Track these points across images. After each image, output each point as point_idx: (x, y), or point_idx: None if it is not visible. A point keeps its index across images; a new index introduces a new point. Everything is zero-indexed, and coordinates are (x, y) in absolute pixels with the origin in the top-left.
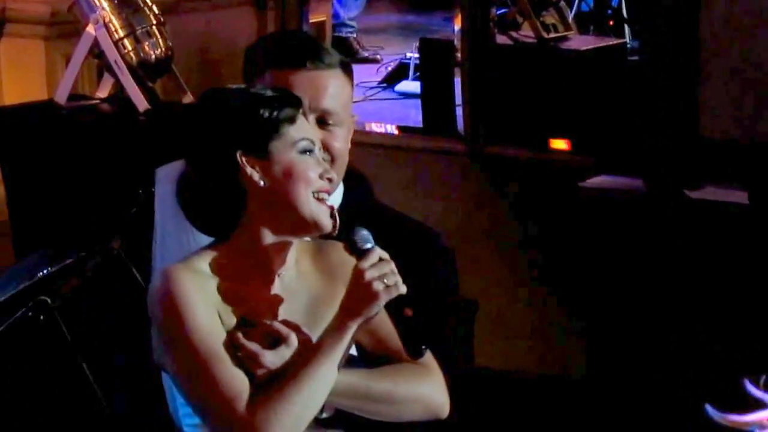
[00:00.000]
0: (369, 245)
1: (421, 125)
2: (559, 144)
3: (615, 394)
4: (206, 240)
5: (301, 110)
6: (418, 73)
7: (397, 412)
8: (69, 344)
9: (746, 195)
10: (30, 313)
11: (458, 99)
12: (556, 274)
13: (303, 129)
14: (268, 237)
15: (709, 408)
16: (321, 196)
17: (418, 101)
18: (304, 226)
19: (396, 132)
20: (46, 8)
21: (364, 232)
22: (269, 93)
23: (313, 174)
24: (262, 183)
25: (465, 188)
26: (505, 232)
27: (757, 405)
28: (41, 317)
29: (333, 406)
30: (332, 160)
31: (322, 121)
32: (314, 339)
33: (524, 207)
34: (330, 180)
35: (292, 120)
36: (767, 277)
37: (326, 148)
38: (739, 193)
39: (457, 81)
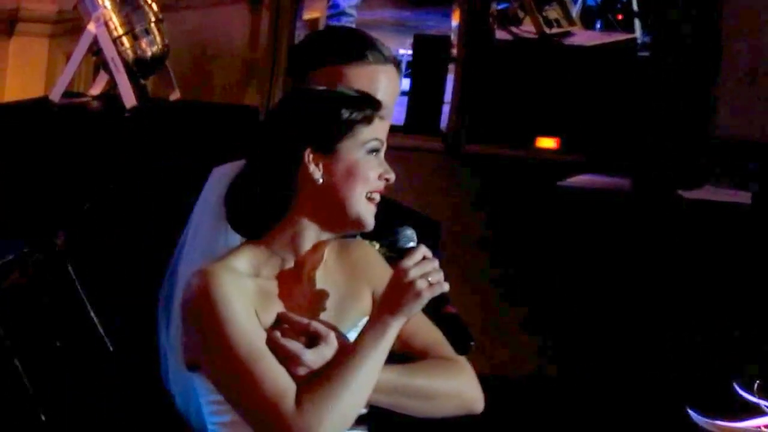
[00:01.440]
0: (412, 244)
1: (402, 123)
2: (547, 142)
3: (592, 395)
4: (237, 241)
5: (378, 112)
6: (409, 70)
7: (434, 407)
8: (4, 342)
9: (748, 196)
10: None
11: (448, 97)
12: (533, 274)
13: (376, 130)
14: (311, 236)
15: (692, 412)
16: (373, 196)
17: (404, 99)
18: (347, 224)
19: None
20: (53, 7)
21: (408, 231)
22: (353, 93)
23: (373, 174)
24: (320, 180)
25: (442, 187)
26: (479, 231)
27: (748, 410)
28: None
29: (370, 402)
30: None
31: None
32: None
33: (503, 206)
34: (387, 180)
35: (369, 121)
36: (762, 279)
37: None
38: (740, 194)
39: (450, 78)
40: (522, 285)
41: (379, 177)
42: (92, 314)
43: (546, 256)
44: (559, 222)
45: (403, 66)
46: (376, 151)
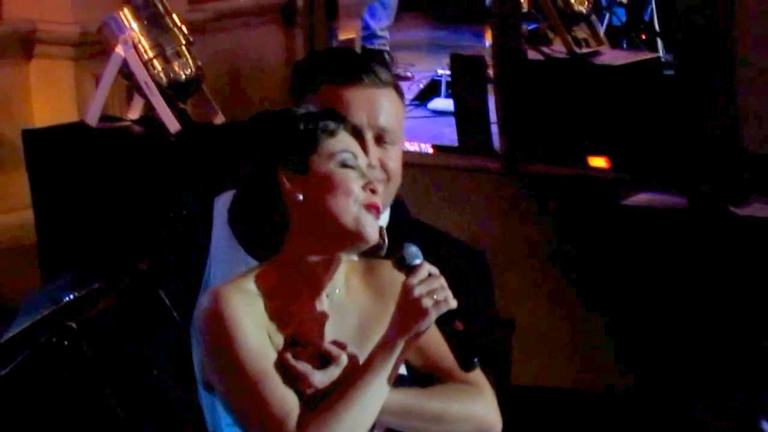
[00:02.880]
0: (418, 261)
1: (456, 143)
2: (598, 161)
3: (658, 412)
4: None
5: (343, 126)
6: (449, 90)
7: (449, 431)
8: (93, 370)
9: None
10: (54, 339)
11: (492, 116)
12: (594, 292)
13: (344, 142)
14: (314, 254)
15: (764, 422)
16: (367, 206)
17: (452, 119)
18: (347, 237)
19: (431, 151)
20: (74, 29)
21: (413, 248)
22: (310, 109)
23: (356, 186)
24: (300, 197)
25: (501, 207)
26: (541, 251)
27: None
28: (66, 343)
29: (384, 425)
30: (387, 180)
31: (380, 139)
32: (363, 358)
33: (562, 225)
34: (373, 191)
35: (331, 133)
36: None
37: (382, 166)
38: None
39: (491, 97)
40: (584, 303)
41: (364, 188)
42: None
43: (609, 275)
44: (619, 241)
45: (443, 86)
46: (350, 165)
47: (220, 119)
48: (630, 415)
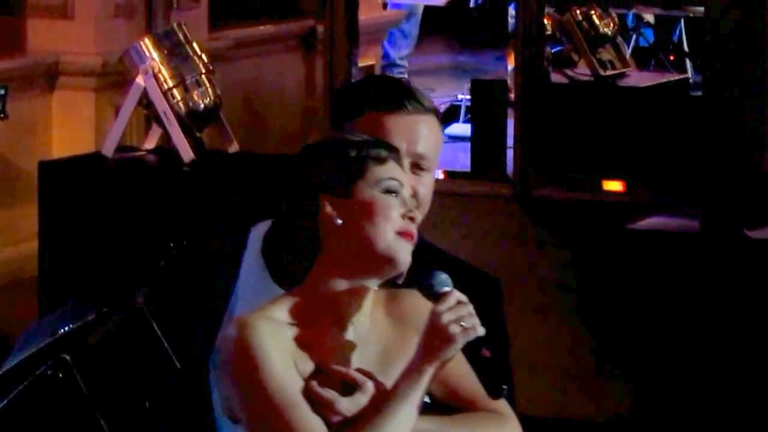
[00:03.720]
0: (446, 288)
1: (468, 168)
2: (613, 185)
3: None
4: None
5: (395, 156)
6: (468, 116)
7: None
8: (88, 402)
9: None
10: (50, 371)
11: (510, 140)
12: (600, 319)
13: (392, 170)
14: (343, 282)
15: None
16: (403, 234)
17: (467, 144)
18: (379, 262)
19: (442, 177)
20: (97, 59)
21: (443, 276)
22: (363, 137)
23: (395, 213)
24: (339, 221)
25: (509, 233)
26: (551, 277)
27: None
28: (61, 375)
29: None
30: (417, 206)
31: (416, 166)
32: (386, 386)
33: (573, 251)
34: (412, 219)
35: (381, 161)
36: None
37: (413, 193)
38: None
39: (510, 122)
40: (595, 328)
41: (403, 216)
42: (180, 371)
43: (619, 301)
44: (628, 266)
45: (462, 111)
46: (394, 191)
47: (234, 148)
48: None
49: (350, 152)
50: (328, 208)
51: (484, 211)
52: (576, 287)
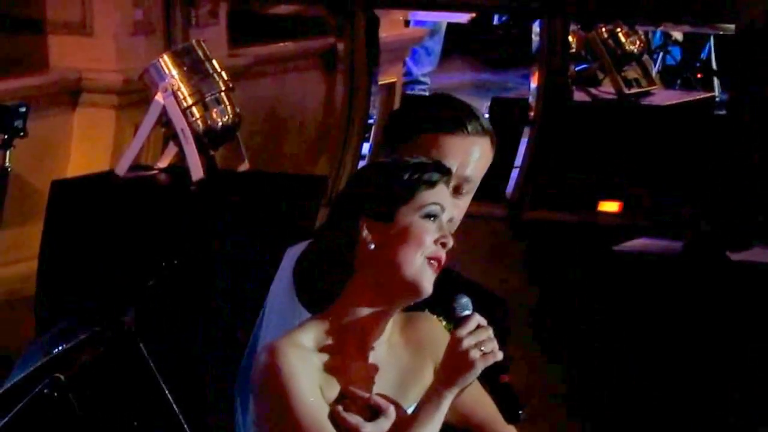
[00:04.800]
0: (467, 312)
1: None
2: (609, 206)
3: None
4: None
5: (446, 178)
6: None
7: None
8: (81, 421)
9: None
10: (45, 390)
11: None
12: (589, 341)
13: (438, 195)
14: (367, 306)
15: None
16: (431, 262)
17: None
18: (404, 289)
19: None
20: (117, 77)
21: (464, 300)
22: (420, 160)
23: (429, 238)
24: (372, 246)
25: (501, 254)
26: (532, 298)
27: None
28: (55, 394)
29: None
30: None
31: (458, 189)
32: (402, 412)
33: (561, 274)
34: (444, 245)
35: (432, 185)
36: None
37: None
38: None
39: (523, 142)
40: (578, 352)
41: (436, 242)
42: (167, 393)
43: (603, 325)
44: (615, 289)
45: None
46: (433, 216)
47: (244, 167)
48: None
49: (402, 175)
50: (365, 232)
51: (476, 232)
52: (563, 309)
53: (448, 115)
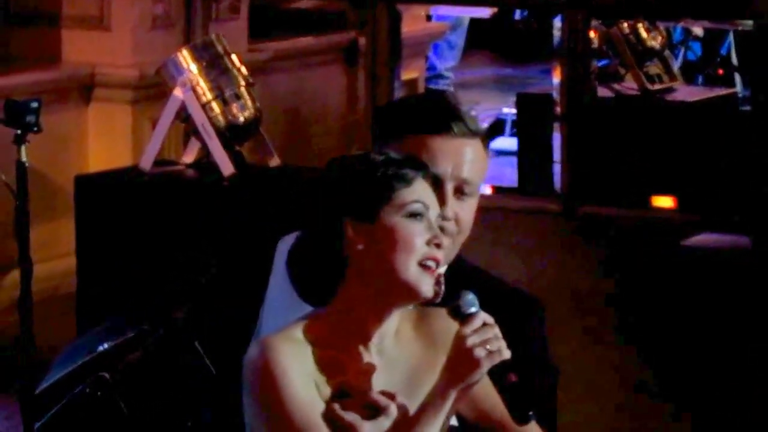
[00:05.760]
0: (473, 309)
1: (515, 184)
2: (664, 201)
3: None
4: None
5: (422, 174)
6: (515, 129)
7: None
8: (127, 421)
9: None
10: (88, 389)
11: (556, 155)
12: (650, 338)
13: (417, 192)
14: (367, 305)
15: None
16: (428, 264)
17: (513, 159)
18: (402, 293)
19: (490, 191)
20: (133, 72)
21: (470, 296)
22: (390, 156)
23: (420, 240)
24: (360, 247)
25: (559, 250)
26: (598, 295)
27: None
28: (99, 393)
29: None
30: (458, 232)
31: (459, 191)
32: (413, 408)
33: (621, 269)
34: (438, 246)
35: (408, 182)
36: None
37: (455, 219)
38: None
39: (557, 136)
40: (645, 348)
41: (428, 243)
42: (227, 390)
43: (669, 319)
44: (679, 284)
45: (508, 125)
46: (418, 215)
47: (276, 162)
48: None
49: (375, 173)
50: (351, 233)
51: (532, 228)
52: (626, 306)
53: (433, 116)
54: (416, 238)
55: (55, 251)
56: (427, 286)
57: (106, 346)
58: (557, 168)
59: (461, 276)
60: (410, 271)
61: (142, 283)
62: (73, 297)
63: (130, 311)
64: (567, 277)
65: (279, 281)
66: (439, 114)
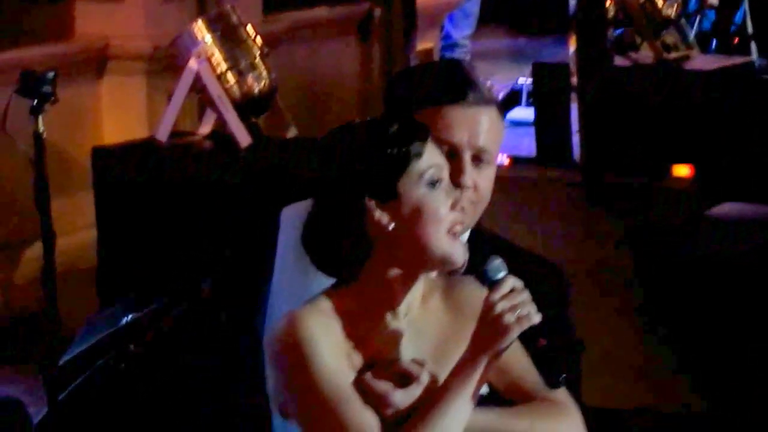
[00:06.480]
0: (501, 275)
1: (533, 154)
2: (682, 170)
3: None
4: (326, 281)
5: (429, 140)
6: (531, 100)
7: None
8: (150, 393)
9: None
10: (112, 362)
11: (574, 126)
12: (668, 309)
13: (429, 158)
14: (396, 276)
15: None
16: (455, 229)
17: (530, 129)
18: (435, 264)
19: (507, 162)
20: (147, 44)
21: (497, 262)
22: (395, 127)
23: (444, 209)
24: (390, 227)
25: (577, 220)
26: (616, 265)
27: None
28: (123, 365)
29: None
30: (476, 200)
31: (476, 159)
32: (442, 377)
33: (639, 238)
34: (462, 209)
35: (419, 155)
36: None
37: (474, 187)
38: None
39: (573, 107)
40: (665, 319)
41: (452, 207)
42: (253, 364)
43: (690, 290)
44: (706, 254)
45: (524, 95)
46: (437, 181)
47: (292, 133)
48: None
49: (388, 153)
50: (377, 213)
51: (550, 197)
52: (645, 277)
53: (447, 85)
54: (441, 208)
55: (74, 224)
56: (459, 254)
57: (130, 318)
58: (575, 138)
59: (481, 244)
60: (442, 242)
61: (161, 255)
62: (93, 270)
63: (154, 284)
64: (585, 247)
65: (288, 248)
66: (453, 83)
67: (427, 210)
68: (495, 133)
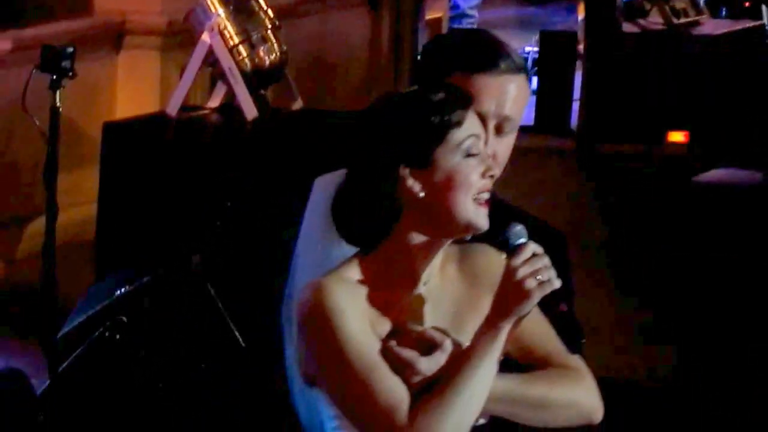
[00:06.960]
0: (522, 240)
1: (531, 123)
2: (677, 137)
3: (704, 400)
4: (351, 251)
5: (469, 104)
6: (536, 68)
7: (552, 417)
8: (144, 362)
9: None
10: (107, 333)
11: (576, 94)
12: (656, 275)
13: (469, 128)
14: (422, 246)
15: None
16: (480, 197)
17: (533, 98)
18: (459, 230)
19: None
20: (162, 19)
21: (518, 228)
22: (439, 96)
23: (476, 176)
24: (422, 194)
25: (573, 188)
26: (609, 233)
27: None
28: (118, 336)
29: (488, 412)
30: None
31: (499, 128)
32: (461, 344)
33: (632, 206)
34: (492, 176)
35: (459, 123)
36: None
37: (493, 155)
38: None
39: (578, 76)
40: (654, 286)
41: (483, 175)
42: (237, 333)
43: (680, 256)
44: (694, 220)
45: (530, 64)
46: (475, 152)
47: (298, 105)
48: (675, 402)
49: (429, 120)
50: (410, 181)
51: (544, 165)
52: (635, 242)
53: (479, 53)
54: (472, 175)
55: (78, 199)
56: (483, 220)
57: (124, 290)
58: (575, 107)
59: (494, 210)
60: (468, 208)
61: (161, 229)
62: (93, 245)
63: (148, 256)
64: (580, 215)
65: (315, 219)
66: (485, 51)
67: (459, 178)
68: (521, 101)
